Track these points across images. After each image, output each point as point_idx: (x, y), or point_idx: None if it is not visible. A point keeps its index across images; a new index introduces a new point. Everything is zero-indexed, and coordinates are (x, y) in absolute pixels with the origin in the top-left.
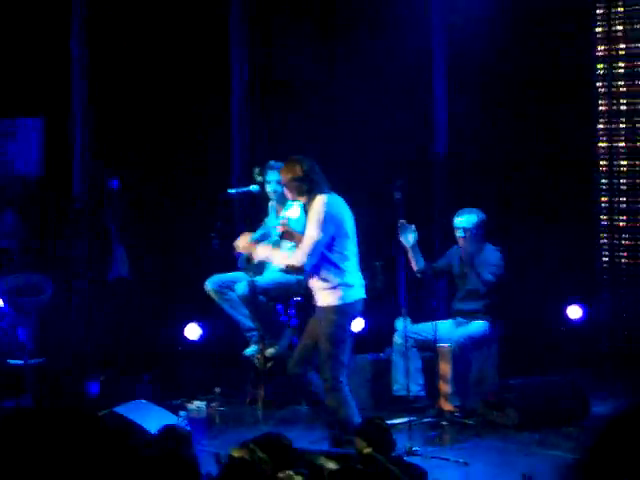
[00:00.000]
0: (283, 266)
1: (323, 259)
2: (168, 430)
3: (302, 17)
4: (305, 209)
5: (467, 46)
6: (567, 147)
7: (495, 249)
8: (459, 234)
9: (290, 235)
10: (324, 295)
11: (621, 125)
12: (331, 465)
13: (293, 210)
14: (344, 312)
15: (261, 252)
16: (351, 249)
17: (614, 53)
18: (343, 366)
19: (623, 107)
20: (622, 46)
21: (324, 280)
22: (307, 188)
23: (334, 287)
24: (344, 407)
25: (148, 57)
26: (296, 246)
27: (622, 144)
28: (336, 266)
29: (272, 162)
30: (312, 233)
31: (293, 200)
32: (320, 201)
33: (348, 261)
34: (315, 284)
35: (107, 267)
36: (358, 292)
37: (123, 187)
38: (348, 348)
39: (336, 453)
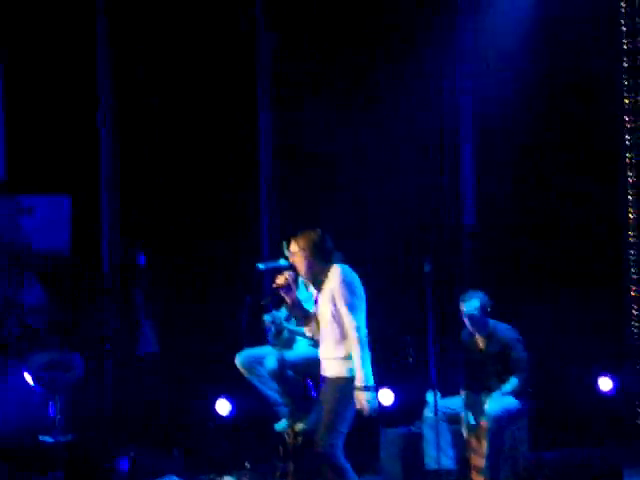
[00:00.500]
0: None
1: (342, 327)
2: None
3: (329, 89)
4: (307, 284)
5: (493, 119)
6: (596, 217)
7: (507, 328)
8: (466, 320)
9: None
10: (335, 364)
11: None
12: None
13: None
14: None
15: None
16: (364, 321)
17: None
18: (341, 435)
19: None
20: None
21: (338, 349)
22: (320, 258)
23: (346, 357)
24: (344, 475)
25: (174, 131)
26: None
27: None
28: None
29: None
30: (352, 301)
31: (302, 277)
32: (344, 269)
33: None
34: (328, 353)
35: (136, 342)
36: None
37: (152, 262)
38: (350, 418)
39: None
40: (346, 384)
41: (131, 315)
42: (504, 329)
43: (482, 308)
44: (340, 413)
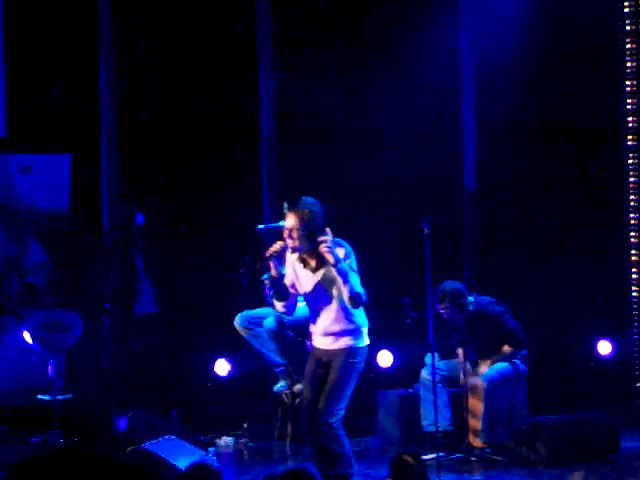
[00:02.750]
0: (349, 294)
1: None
2: (197, 466)
3: (330, 52)
4: (300, 257)
5: (496, 77)
6: (597, 182)
7: (490, 302)
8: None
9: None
10: (344, 338)
11: None
12: None
13: (292, 257)
14: (363, 354)
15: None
16: None
17: None
18: (344, 406)
19: None
20: None
21: (348, 322)
22: (317, 233)
23: (358, 328)
24: (346, 446)
25: (175, 90)
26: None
27: None
28: (360, 309)
29: (303, 198)
30: (355, 270)
31: (292, 247)
32: (339, 241)
33: None
34: (335, 327)
35: (134, 303)
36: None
37: (151, 222)
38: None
39: None
40: (359, 354)
41: (130, 275)
42: (488, 304)
43: (453, 304)
44: (349, 384)
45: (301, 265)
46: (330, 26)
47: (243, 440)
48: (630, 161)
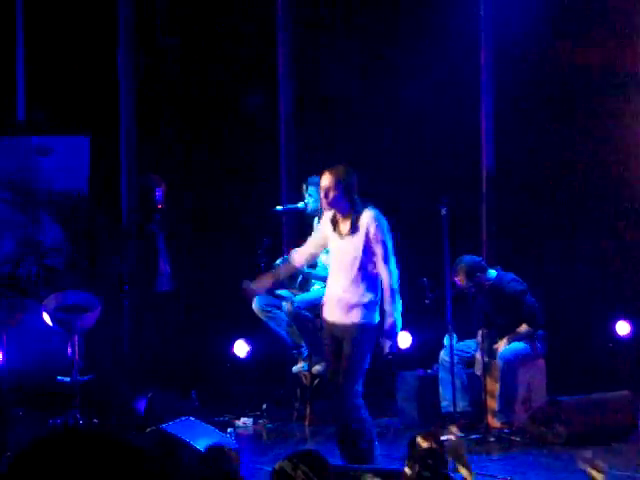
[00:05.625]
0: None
1: (373, 273)
2: (216, 448)
3: (349, 33)
4: (334, 218)
5: (516, 61)
6: (617, 159)
7: (512, 279)
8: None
9: None
10: (360, 311)
11: None
12: None
13: (325, 257)
14: (375, 330)
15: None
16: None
17: None
18: (361, 380)
19: None
20: None
21: (365, 295)
22: (353, 197)
23: (371, 303)
24: (368, 425)
25: (193, 73)
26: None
27: None
28: (378, 284)
29: (314, 177)
30: (390, 248)
31: (327, 209)
32: (380, 216)
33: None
34: (352, 298)
35: (154, 282)
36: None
37: (171, 203)
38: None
39: (383, 470)
40: (371, 330)
41: (149, 255)
42: (508, 281)
43: (470, 277)
44: (365, 359)
45: (331, 227)
46: (350, 11)
47: (262, 421)
48: None
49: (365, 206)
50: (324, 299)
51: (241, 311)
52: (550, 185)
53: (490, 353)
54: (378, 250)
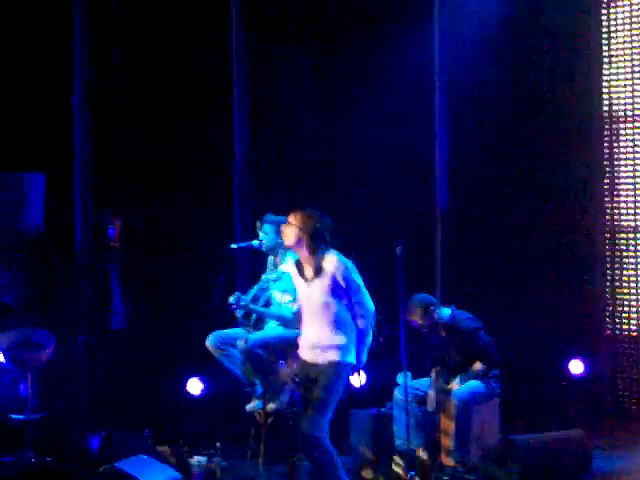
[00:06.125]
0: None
1: (344, 315)
2: None
3: (305, 71)
4: (298, 263)
5: (470, 102)
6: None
7: (467, 317)
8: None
9: None
10: (331, 351)
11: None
12: None
13: (289, 265)
14: (349, 370)
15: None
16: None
17: None
18: (328, 418)
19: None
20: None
21: (335, 337)
22: (318, 243)
23: (342, 344)
24: (335, 460)
25: (149, 108)
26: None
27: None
28: (351, 325)
29: (269, 215)
30: (362, 288)
31: (286, 249)
32: (344, 258)
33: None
34: (322, 339)
35: (107, 318)
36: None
37: (125, 241)
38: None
39: None
40: (342, 369)
41: (103, 292)
42: (463, 319)
43: (424, 314)
44: (335, 398)
45: (297, 272)
46: (306, 48)
47: (216, 459)
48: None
49: (327, 249)
50: (299, 342)
51: (195, 349)
52: (505, 223)
53: (444, 391)
54: (352, 290)
